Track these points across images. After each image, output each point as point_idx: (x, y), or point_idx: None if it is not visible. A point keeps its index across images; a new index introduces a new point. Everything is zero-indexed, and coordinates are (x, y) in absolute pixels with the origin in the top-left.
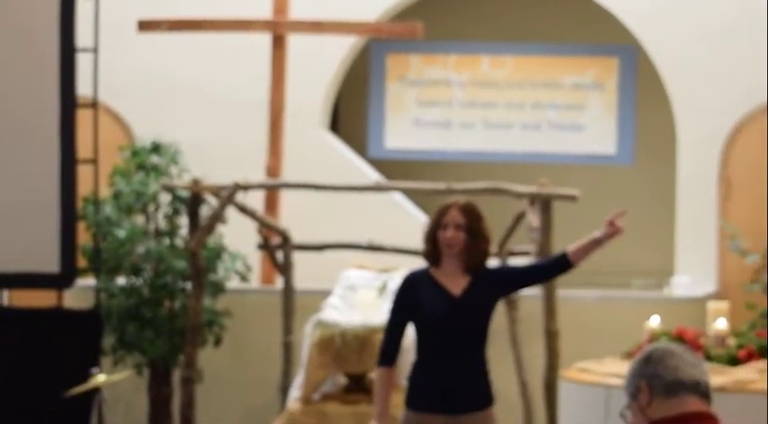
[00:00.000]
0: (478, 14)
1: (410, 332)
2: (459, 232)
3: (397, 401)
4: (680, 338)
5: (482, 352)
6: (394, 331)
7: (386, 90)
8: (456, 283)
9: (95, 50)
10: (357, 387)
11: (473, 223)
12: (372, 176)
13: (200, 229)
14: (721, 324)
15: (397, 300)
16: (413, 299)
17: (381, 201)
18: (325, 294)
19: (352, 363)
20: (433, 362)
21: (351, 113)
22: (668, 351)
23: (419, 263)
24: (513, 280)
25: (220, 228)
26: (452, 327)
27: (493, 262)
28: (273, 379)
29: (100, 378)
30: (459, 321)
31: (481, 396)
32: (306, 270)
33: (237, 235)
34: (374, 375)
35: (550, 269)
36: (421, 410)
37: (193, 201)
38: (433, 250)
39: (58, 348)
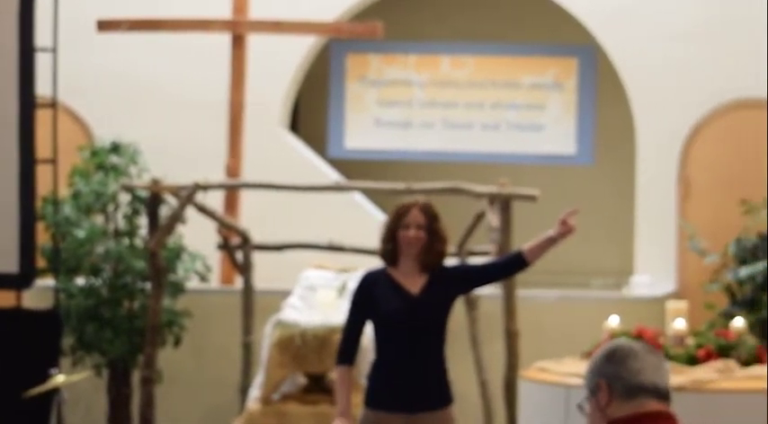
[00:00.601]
0: (439, 14)
1: (369, 332)
2: (420, 231)
3: (357, 400)
4: (639, 337)
5: (440, 351)
6: (352, 330)
7: (346, 90)
8: (414, 282)
9: (54, 50)
10: (317, 387)
11: (433, 223)
12: (332, 176)
13: (160, 229)
14: (680, 324)
15: (355, 299)
16: (371, 298)
17: (341, 201)
18: (285, 294)
19: (312, 363)
20: (392, 361)
21: (311, 113)
22: (632, 353)
23: (379, 263)
24: (470, 279)
25: (180, 228)
26: (411, 326)
27: (451, 262)
28: (233, 379)
29: (59, 379)
30: (418, 320)
31: (439, 395)
32: (265, 270)
33: (197, 235)
34: (334, 374)
35: (507, 267)
36: (380, 408)
37: (153, 201)
38: (392, 249)
39: (16, 348)
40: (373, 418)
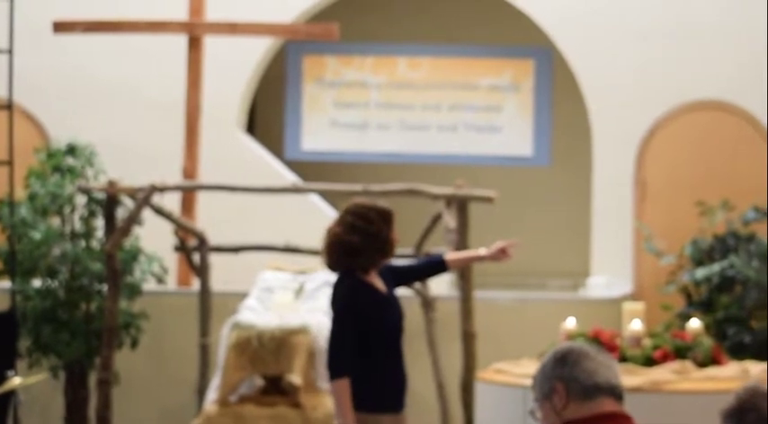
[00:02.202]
0: (395, 16)
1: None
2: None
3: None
4: (596, 339)
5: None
6: (351, 341)
7: (302, 91)
8: (380, 285)
9: (10, 52)
10: (274, 389)
11: None
12: (289, 178)
13: (117, 231)
14: (637, 325)
15: (353, 310)
16: (364, 308)
17: (298, 203)
18: (242, 295)
19: (269, 365)
20: (388, 364)
21: (267, 115)
22: (584, 353)
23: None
24: (398, 278)
25: (137, 230)
26: (400, 327)
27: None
28: (190, 381)
29: (15, 381)
30: (401, 320)
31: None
32: (222, 272)
33: (154, 237)
34: (334, 387)
35: (428, 270)
36: (375, 411)
37: (109, 203)
38: (376, 252)
39: None
40: (369, 419)
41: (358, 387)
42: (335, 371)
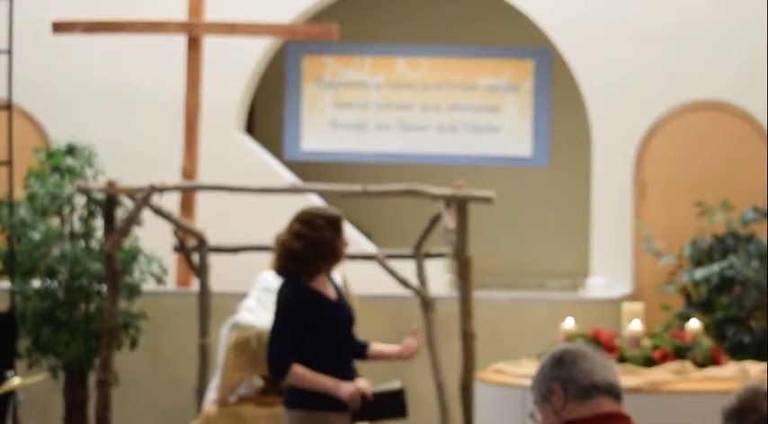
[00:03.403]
0: (394, 16)
1: None
2: None
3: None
4: (595, 339)
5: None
6: (291, 341)
7: (302, 91)
8: (328, 289)
9: (10, 52)
10: (273, 389)
11: None
12: (288, 178)
13: (116, 231)
14: (636, 326)
15: (290, 314)
16: (308, 312)
17: (297, 203)
18: (242, 296)
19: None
20: (334, 363)
21: (267, 115)
22: (580, 354)
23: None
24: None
25: (136, 230)
26: (349, 332)
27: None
28: (189, 381)
29: (15, 381)
30: (350, 325)
31: None
32: (222, 272)
33: (153, 238)
34: (290, 380)
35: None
36: (323, 409)
37: (109, 203)
38: (323, 258)
39: None
40: (312, 418)
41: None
42: (280, 372)
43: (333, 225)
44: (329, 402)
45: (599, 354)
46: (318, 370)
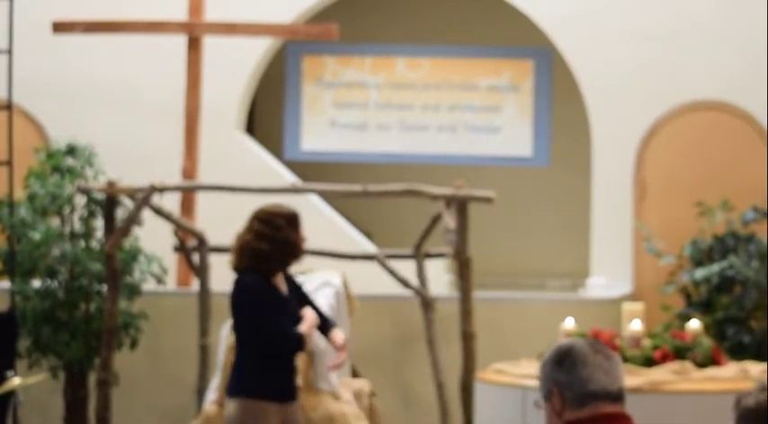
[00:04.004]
0: (394, 16)
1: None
2: None
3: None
4: (595, 339)
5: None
6: (274, 318)
7: (302, 92)
8: (283, 287)
9: (10, 52)
10: None
11: None
12: (288, 178)
13: (116, 231)
14: (636, 326)
15: (256, 301)
16: (266, 305)
17: (297, 203)
18: None
19: None
20: (275, 356)
21: (267, 115)
22: (581, 357)
23: (335, 265)
24: (297, 295)
25: (136, 230)
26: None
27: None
28: (190, 381)
29: (15, 381)
30: (297, 322)
31: (296, 388)
32: (222, 272)
33: (153, 238)
34: (301, 345)
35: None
36: (262, 398)
37: (109, 203)
38: (283, 254)
39: None
40: (255, 407)
41: (248, 377)
42: (298, 343)
43: (292, 223)
44: (264, 391)
45: (602, 355)
46: (257, 363)
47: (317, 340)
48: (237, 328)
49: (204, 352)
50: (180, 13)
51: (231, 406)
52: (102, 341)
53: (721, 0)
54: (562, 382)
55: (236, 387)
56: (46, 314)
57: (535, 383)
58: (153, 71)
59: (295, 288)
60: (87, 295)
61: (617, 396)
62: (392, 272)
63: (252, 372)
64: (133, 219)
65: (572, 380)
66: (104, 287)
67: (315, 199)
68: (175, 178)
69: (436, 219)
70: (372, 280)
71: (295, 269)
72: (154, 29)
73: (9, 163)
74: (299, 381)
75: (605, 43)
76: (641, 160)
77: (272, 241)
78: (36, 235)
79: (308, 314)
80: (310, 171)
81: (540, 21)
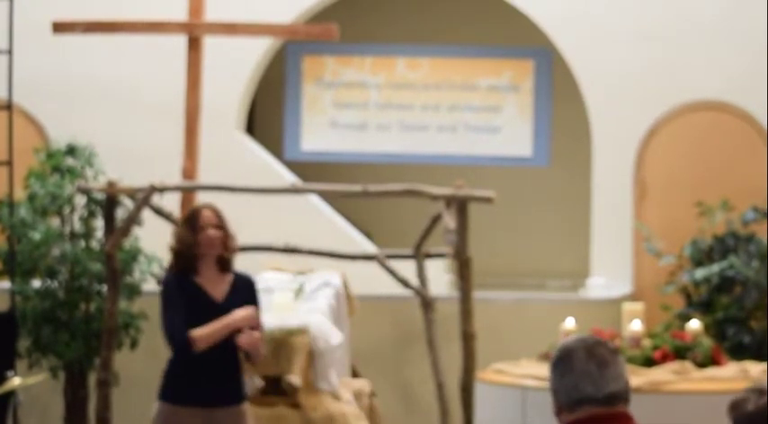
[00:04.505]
0: (394, 16)
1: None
2: (218, 230)
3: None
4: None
5: (236, 351)
6: (180, 316)
7: (302, 92)
8: (217, 288)
9: (10, 52)
10: (273, 389)
11: (224, 222)
12: (288, 178)
13: (116, 231)
14: (636, 326)
15: (172, 298)
16: (184, 300)
17: (297, 203)
18: None
19: (269, 365)
20: (194, 360)
21: (267, 115)
22: (573, 362)
23: (335, 265)
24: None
25: (136, 230)
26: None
27: (409, 265)
28: None
29: (15, 381)
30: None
31: (235, 392)
32: None
33: (153, 238)
34: (200, 339)
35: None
36: (178, 403)
37: (109, 203)
38: (193, 256)
39: None
40: (170, 411)
41: (166, 379)
42: (178, 347)
43: (188, 221)
44: (179, 395)
45: (594, 360)
46: (176, 365)
47: (319, 341)
48: None
49: None
50: (180, 13)
51: (153, 409)
52: (102, 341)
53: (721, 0)
54: (554, 386)
55: (159, 390)
56: (46, 314)
57: (535, 383)
58: (153, 71)
59: (244, 289)
60: (87, 296)
61: (605, 401)
62: (392, 272)
63: (169, 374)
64: (133, 219)
65: (560, 385)
66: (104, 287)
67: (315, 199)
68: (175, 178)
69: (436, 219)
70: (372, 280)
71: (295, 268)
72: (154, 29)
73: (9, 163)
74: (297, 380)
75: (605, 43)
76: (641, 160)
77: (174, 239)
78: (36, 235)
79: (233, 315)
80: (310, 171)
81: (540, 21)
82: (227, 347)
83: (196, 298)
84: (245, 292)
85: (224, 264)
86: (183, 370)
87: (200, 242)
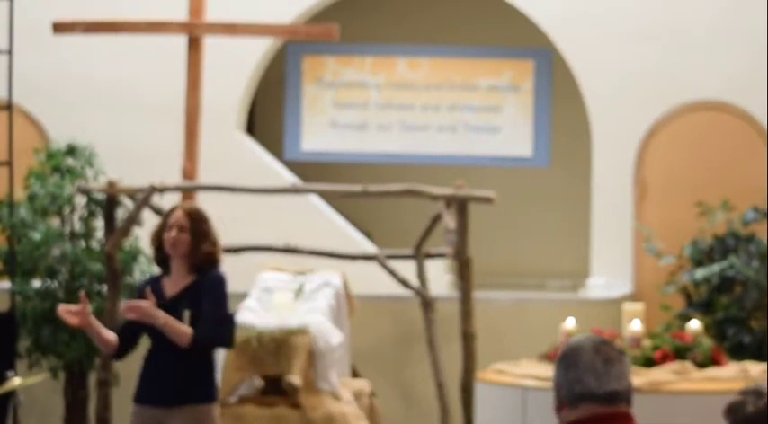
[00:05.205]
0: (395, 16)
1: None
2: (182, 233)
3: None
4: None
5: (192, 352)
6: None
7: (302, 92)
8: (175, 285)
9: (10, 52)
10: (273, 389)
11: (197, 225)
12: (288, 178)
13: (116, 232)
14: (636, 326)
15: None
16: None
17: (297, 203)
18: (242, 296)
19: (269, 365)
20: (149, 358)
21: (267, 115)
22: (573, 361)
23: (335, 265)
24: (199, 305)
25: (136, 231)
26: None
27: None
28: None
29: (15, 381)
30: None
31: (192, 391)
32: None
33: None
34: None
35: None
36: (139, 402)
37: (109, 204)
38: (160, 254)
39: None
40: (135, 410)
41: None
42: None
43: (162, 220)
44: (136, 394)
45: (600, 356)
46: (145, 357)
47: (319, 341)
48: None
49: None
50: (180, 13)
51: None
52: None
53: (721, 0)
54: (557, 381)
55: None
56: (46, 314)
57: (535, 383)
58: (153, 71)
59: (199, 288)
60: (87, 296)
61: (607, 398)
62: (392, 272)
63: (139, 374)
64: (133, 219)
65: (564, 380)
66: (104, 288)
67: (315, 200)
68: (175, 178)
69: (436, 219)
70: (372, 280)
71: (295, 268)
72: (154, 29)
73: (9, 164)
74: (298, 380)
75: (605, 43)
76: (641, 160)
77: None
78: (36, 235)
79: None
80: (310, 171)
81: (540, 21)
82: (179, 350)
83: (157, 297)
84: (198, 290)
85: (191, 267)
86: (143, 369)
87: (163, 239)
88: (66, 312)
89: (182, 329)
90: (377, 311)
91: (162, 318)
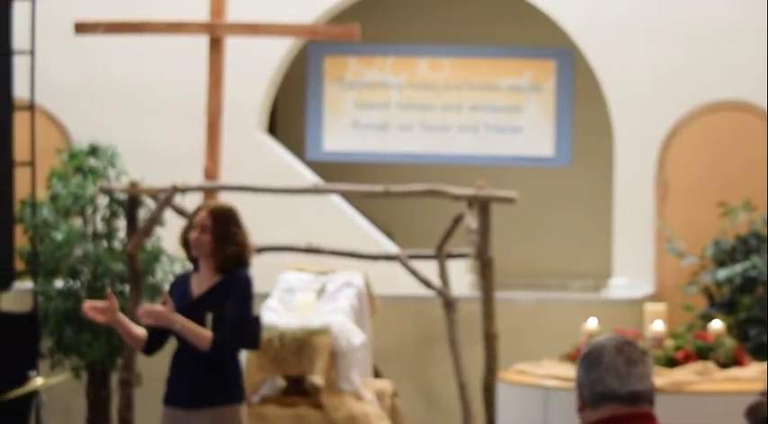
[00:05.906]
0: (416, 17)
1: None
2: (204, 234)
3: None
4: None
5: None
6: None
7: (324, 92)
8: (201, 284)
9: (32, 53)
10: (295, 390)
11: (220, 226)
12: (310, 178)
13: (138, 232)
14: (658, 326)
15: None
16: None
17: (319, 204)
18: (264, 296)
19: (291, 365)
20: (175, 358)
21: (289, 115)
22: (597, 360)
23: (357, 265)
24: (223, 304)
25: (158, 231)
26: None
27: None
28: None
29: (38, 381)
30: (193, 320)
31: (215, 393)
32: None
33: (175, 238)
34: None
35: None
36: (165, 403)
37: (131, 204)
38: (187, 252)
39: None
40: (166, 412)
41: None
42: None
43: (188, 219)
44: (165, 396)
45: (623, 357)
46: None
47: (341, 341)
48: None
49: None
50: (202, 13)
51: None
52: (125, 341)
53: (742, 1)
54: (579, 381)
55: None
56: (68, 314)
57: (557, 383)
58: (175, 71)
59: (224, 288)
60: None
61: (629, 399)
62: (414, 273)
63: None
64: (155, 220)
65: (586, 380)
66: (127, 288)
67: (337, 200)
68: (197, 178)
69: (458, 219)
70: (394, 281)
71: (317, 268)
72: (176, 29)
73: (32, 164)
74: (320, 380)
75: (627, 44)
76: (663, 160)
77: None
78: (58, 236)
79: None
80: (332, 171)
81: (562, 21)
82: (196, 349)
83: (183, 296)
84: (222, 291)
85: (216, 267)
86: (170, 371)
87: (188, 243)
88: (93, 309)
89: (201, 333)
90: (399, 311)
91: (179, 323)
